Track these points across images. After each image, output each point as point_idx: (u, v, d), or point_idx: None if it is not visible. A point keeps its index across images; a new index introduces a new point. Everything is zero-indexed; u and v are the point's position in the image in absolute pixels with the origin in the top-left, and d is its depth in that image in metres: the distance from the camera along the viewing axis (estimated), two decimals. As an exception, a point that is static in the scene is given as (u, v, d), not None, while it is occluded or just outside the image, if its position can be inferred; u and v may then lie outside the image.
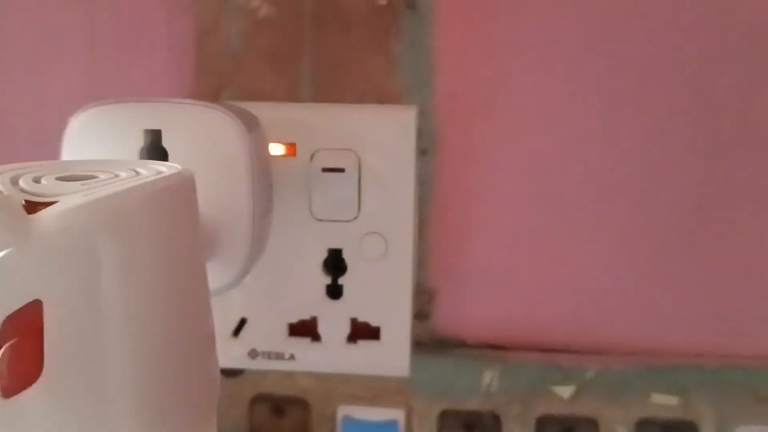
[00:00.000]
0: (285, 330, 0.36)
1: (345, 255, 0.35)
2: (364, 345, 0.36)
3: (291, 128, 0.34)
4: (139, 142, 0.28)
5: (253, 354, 0.36)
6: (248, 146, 0.27)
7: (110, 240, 0.20)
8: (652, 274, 0.41)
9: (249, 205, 0.28)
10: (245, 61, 0.39)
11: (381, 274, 0.35)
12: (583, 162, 0.40)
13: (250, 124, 0.29)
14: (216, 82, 0.39)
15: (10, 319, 0.20)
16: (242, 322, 0.36)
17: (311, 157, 0.34)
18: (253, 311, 0.36)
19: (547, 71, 0.39)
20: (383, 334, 0.36)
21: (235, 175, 0.28)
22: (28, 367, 0.20)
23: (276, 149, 0.34)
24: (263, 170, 0.29)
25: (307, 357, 0.36)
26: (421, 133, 0.39)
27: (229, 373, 0.41)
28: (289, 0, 0.39)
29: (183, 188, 0.23)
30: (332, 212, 0.35)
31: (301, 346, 0.36)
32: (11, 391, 0.20)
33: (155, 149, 0.28)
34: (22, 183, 0.21)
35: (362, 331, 0.36)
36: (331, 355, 0.36)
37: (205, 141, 0.28)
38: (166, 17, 0.39)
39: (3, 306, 0.19)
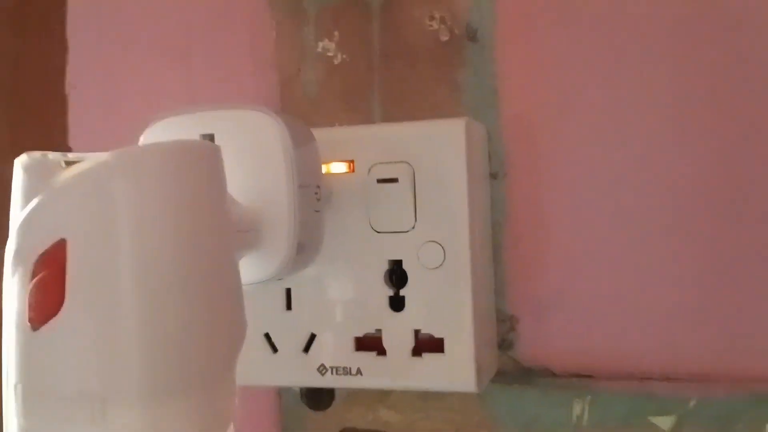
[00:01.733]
0: (352, 344, 0.37)
1: (405, 266, 0.36)
2: (428, 358, 0.36)
3: (350, 147, 0.37)
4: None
5: (322, 370, 0.37)
6: (286, 145, 0.30)
7: (125, 186, 0.23)
8: (754, 291, 0.37)
9: (287, 201, 0.30)
10: (322, 103, 0.43)
11: (441, 283, 0.35)
12: (659, 175, 0.38)
13: (298, 130, 0.31)
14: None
15: (42, 256, 0.23)
16: (312, 338, 0.37)
17: (368, 171, 0.36)
18: (321, 326, 0.37)
19: (614, 85, 0.39)
20: (447, 346, 0.35)
21: (275, 172, 0.30)
22: (52, 300, 0.23)
23: (337, 167, 0.37)
24: (306, 172, 0.31)
25: (373, 372, 0.36)
26: (490, 156, 0.40)
27: (315, 407, 0.42)
28: (360, 45, 0.42)
29: (202, 153, 0.25)
30: (390, 223, 0.36)
31: (367, 360, 0.36)
32: (38, 322, 0.23)
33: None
34: (73, 156, 0.25)
35: (426, 344, 0.36)
36: (397, 370, 0.36)
37: (249, 139, 0.30)
38: (252, 71, 0.44)
39: (37, 244, 0.23)
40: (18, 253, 0.23)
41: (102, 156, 0.23)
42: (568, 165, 0.40)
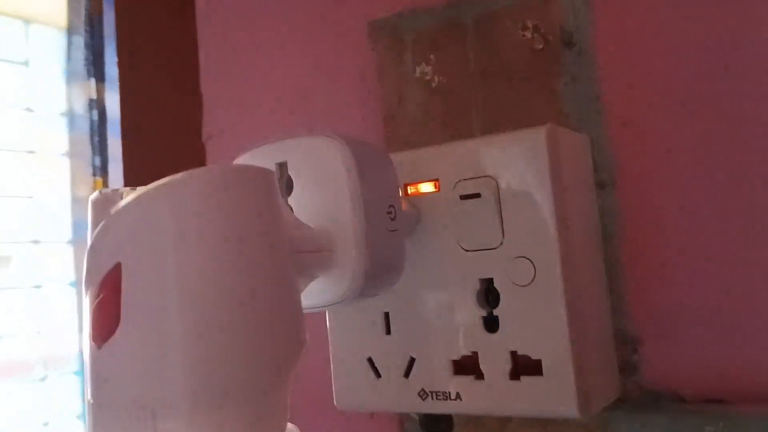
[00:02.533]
0: (449, 368, 0.36)
1: (496, 284, 0.35)
2: (527, 382, 0.34)
3: (435, 166, 0.36)
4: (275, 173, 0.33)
5: (422, 395, 0.36)
6: (350, 166, 0.31)
7: (170, 209, 0.25)
8: None
9: (352, 220, 0.30)
10: (425, 127, 0.43)
11: (533, 300, 0.34)
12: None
13: (366, 152, 0.32)
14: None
15: (103, 279, 0.25)
16: (411, 362, 0.37)
17: (453, 189, 0.35)
18: (420, 350, 0.37)
19: (726, 78, 0.35)
20: (545, 367, 0.33)
21: (340, 193, 0.31)
22: (110, 319, 0.25)
23: (425, 187, 0.37)
24: (376, 192, 0.32)
25: (472, 396, 0.35)
26: (597, 165, 0.38)
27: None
28: (456, 65, 0.42)
29: (247, 175, 0.27)
30: (478, 241, 0.35)
31: (465, 384, 0.35)
32: (100, 340, 0.25)
33: (285, 178, 0.33)
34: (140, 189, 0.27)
35: (524, 366, 0.34)
36: (496, 394, 0.34)
37: (317, 164, 0.31)
38: (359, 104, 0.45)
39: (99, 268, 0.25)
40: (86, 277, 0.26)
41: (148, 186, 0.25)
42: (683, 168, 0.36)
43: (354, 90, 0.46)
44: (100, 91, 0.53)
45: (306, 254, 0.30)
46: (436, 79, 0.43)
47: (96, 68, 0.53)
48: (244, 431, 0.25)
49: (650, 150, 0.37)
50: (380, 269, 0.32)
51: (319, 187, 0.31)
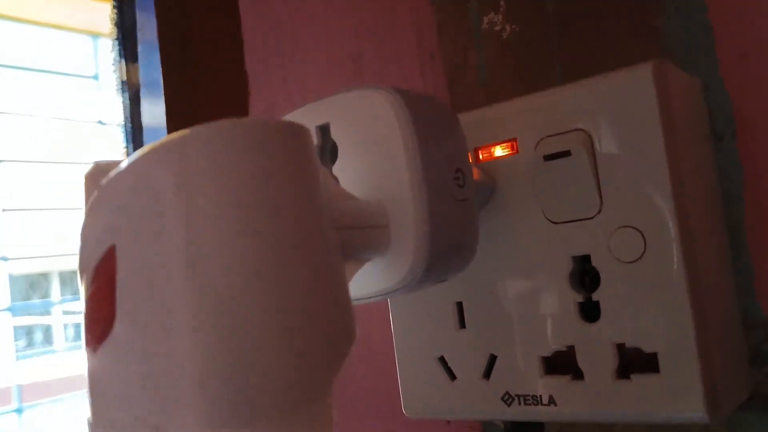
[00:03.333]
0: (539, 366, 0.29)
1: (594, 262, 0.28)
2: (639, 381, 0.27)
3: (511, 124, 0.30)
4: (316, 139, 0.27)
5: (507, 399, 0.30)
6: (405, 125, 0.25)
7: (170, 174, 0.19)
8: None
9: (412, 188, 0.24)
10: (496, 85, 0.37)
11: (644, 280, 0.27)
12: None
13: (425, 108, 0.26)
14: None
15: (96, 266, 0.20)
16: (492, 360, 0.31)
17: (535, 149, 0.29)
18: (502, 346, 0.30)
19: None
20: (663, 362, 0.26)
21: (394, 157, 0.25)
22: (104, 317, 0.20)
23: (499, 151, 0.30)
24: (439, 156, 0.26)
25: (569, 400, 0.29)
26: (711, 113, 0.31)
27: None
28: (531, 10, 0.36)
29: (276, 135, 0.21)
30: (569, 210, 0.28)
31: (560, 386, 0.29)
32: (94, 343, 0.20)
33: (328, 143, 0.27)
34: None
35: (634, 362, 0.27)
36: (599, 397, 0.28)
37: (365, 125, 0.26)
38: (420, 65, 0.39)
39: (92, 253, 0.20)
40: (80, 263, 0.21)
41: (138, 153, 0.20)
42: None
43: (412, 51, 0.40)
44: (132, 74, 0.49)
45: (354, 230, 0.24)
46: (508, 28, 0.36)
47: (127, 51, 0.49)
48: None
49: (780, 90, 0.30)
50: (447, 247, 0.26)
51: (369, 151, 0.26)
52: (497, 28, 0.37)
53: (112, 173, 0.20)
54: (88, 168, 0.22)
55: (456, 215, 0.26)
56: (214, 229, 0.19)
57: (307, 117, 0.27)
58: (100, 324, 0.20)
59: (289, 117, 0.28)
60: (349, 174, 0.26)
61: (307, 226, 0.20)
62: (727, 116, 0.31)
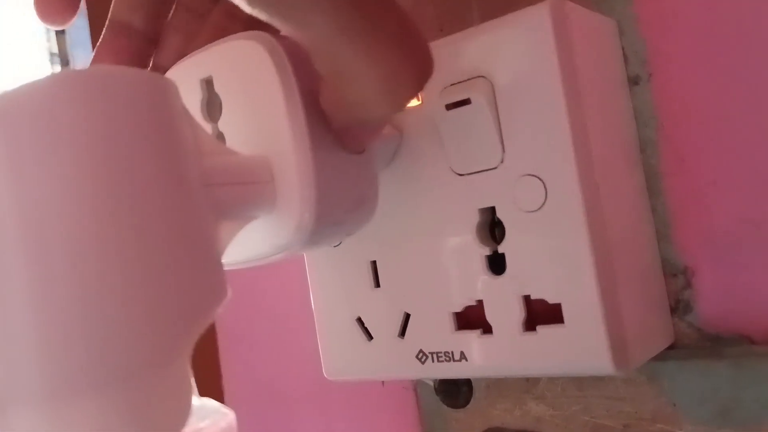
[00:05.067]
0: (451, 322, 0.29)
1: (500, 213, 0.27)
2: (545, 332, 0.26)
3: (416, 73, 0.29)
4: (201, 93, 0.26)
5: (421, 357, 0.29)
6: (284, 71, 0.24)
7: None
8: None
9: (293, 138, 0.23)
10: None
11: (546, 229, 0.26)
12: None
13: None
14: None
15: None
16: (406, 319, 0.30)
17: (438, 98, 0.28)
18: (414, 303, 0.30)
19: None
20: (567, 313, 0.26)
21: (276, 108, 0.24)
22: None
23: (405, 102, 0.29)
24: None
25: (480, 355, 0.28)
26: (627, 56, 0.30)
27: (452, 403, 0.34)
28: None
29: (126, 84, 0.20)
30: (473, 161, 0.28)
31: (470, 341, 0.28)
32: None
33: (215, 98, 0.26)
34: None
35: (540, 313, 0.27)
36: (508, 351, 0.27)
37: (246, 76, 0.25)
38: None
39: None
40: None
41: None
42: (734, 52, 0.28)
43: None
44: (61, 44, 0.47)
45: (231, 186, 0.23)
46: (425, -24, 0.35)
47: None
48: (125, 418, 0.18)
49: (691, 32, 0.29)
50: (338, 200, 0.25)
51: (251, 104, 0.25)
52: (415, -23, 0.35)
53: None
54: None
55: (347, 168, 0.25)
56: (46, 190, 0.18)
57: (192, 69, 0.26)
58: None
59: (173, 70, 0.27)
60: (234, 129, 0.25)
61: (167, 183, 0.19)
62: (642, 59, 0.30)
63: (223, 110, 0.25)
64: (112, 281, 0.18)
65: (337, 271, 0.32)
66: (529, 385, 0.33)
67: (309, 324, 0.33)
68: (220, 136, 0.26)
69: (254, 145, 0.25)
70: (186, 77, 0.26)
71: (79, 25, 0.48)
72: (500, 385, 0.33)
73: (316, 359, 0.33)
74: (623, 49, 0.30)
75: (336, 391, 0.40)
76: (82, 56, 0.47)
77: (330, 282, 0.32)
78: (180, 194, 0.20)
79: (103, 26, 0.45)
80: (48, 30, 0.51)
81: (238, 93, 0.25)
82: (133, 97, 0.19)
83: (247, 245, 0.25)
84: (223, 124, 0.26)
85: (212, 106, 0.26)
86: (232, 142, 0.25)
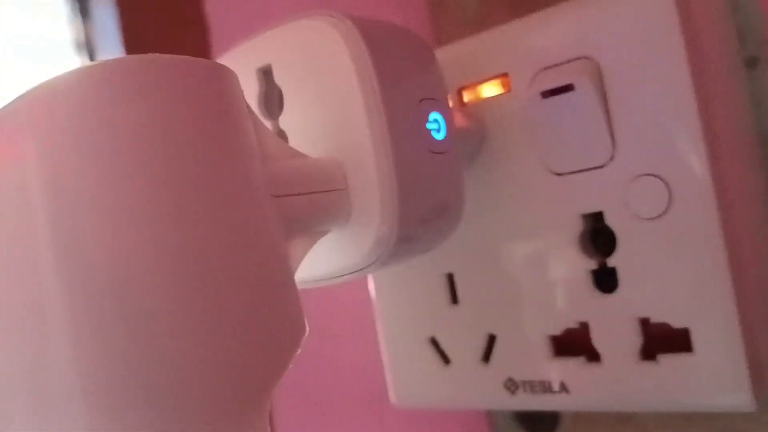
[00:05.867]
0: (547, 347, 0.24)
1: (608, 220, 0.23)
2: (668, 362, 0.22)
3: (501, 56, 0.25)
4: (258, 85, 0.22)
5: (510, 386, 0.25)
6: (362, 56, 0.19)
7: (31, 144, 0.14)
8: None
9: (372, 140, 0.19)
10: (487, 15, 0.31)
11: (670, 240, 0.22)
12: None
13: (389, 36, 0.21)
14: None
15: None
16: (491, 341, 0.26)
17: (530, 84, 0.24)
18: (502, 324, 0.25)
19: None
20: (696, 339, 0.21)
21: (350, 102, 0.20)
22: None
23: (488, 90, 0.25)
24: (408, 96, 0.20)
25: (584, 387, 0.24)
26: (742, 35, 0.25)
27: (533, 431, 0.30)
28: None
29: (164, 79, 0.16)
30: (575, 158, 0.23)
31: (573, 369, 0.24)
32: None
33: (275, 90, 0.22)
34: None
35: (661, 339, 0.22)
36: (621, 382, 0.23)
37: (311, 63, 0.20)
38: (397, 2, 0.34)
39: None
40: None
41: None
42: None
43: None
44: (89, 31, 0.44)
45: (302, 197, 0.19)
46: (497, -56, 0.31)
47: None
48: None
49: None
50: (423, 210, 0.21)
51: (320, 97, 0.21)
52: (485, -54, 0.31)
53: None
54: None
55: (432, 170, 0.21)
56: (93, 201, 0.14)
57: (246, 57, 0.22)
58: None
59: (225, 59, 0.23)
60: (298, 126, 0.21)
61: (224, 195, 0.15)
62: (759, 39, 0.25)
63: (285, 105, 0.21)
64: (168, 318, 0.14)
65: (406, 284, 0.28)
66: (623, 422, 0.28)
67: (364, 339, 0.29)
68: (282, 135, 0.22)
69: (322, 145, 0.20)
70: (239, 67, 0.22)
71: (105, 11, 0.44)
72: (591, 419, 0.29)
73: (370, 377, 0.29)
74: (738, 27, 0.26)
75: (394, 413, 0.36)
76: (109, 45, 0.44)
77: (398, 296, 0.28)
78: (249, 206, 0.16)
79: (132, 13, 0.41)
80: (73, 15, 0.47)
81: (303, 84, 0.21)
82: (194, 89, 0.15)
83: (314, 263, 0.21)
84: (284, 121, 0.21)
85: (271, 100, 0.22)
86: (294, 142, 0.21)
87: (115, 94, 0.14)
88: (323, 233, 0.20)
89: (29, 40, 0.45)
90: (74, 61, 0.46)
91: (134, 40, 0.43)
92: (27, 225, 0.14)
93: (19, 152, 0.14)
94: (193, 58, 0.16)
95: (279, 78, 0.21)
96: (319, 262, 0.21)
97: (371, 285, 0.29)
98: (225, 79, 0.17)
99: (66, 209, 0.14)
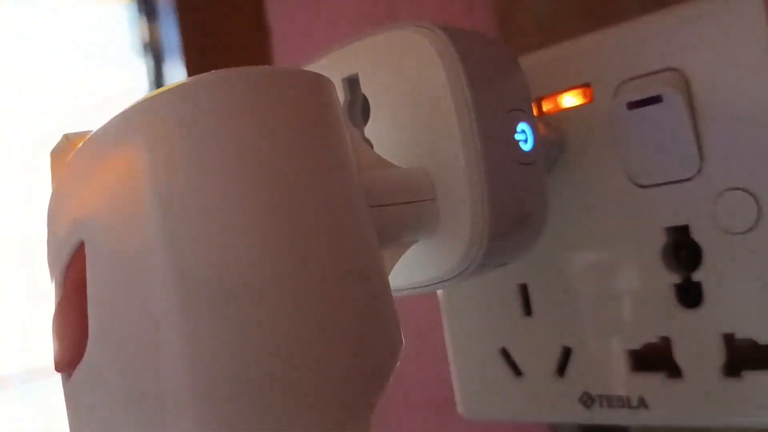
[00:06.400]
0: (626, 361, 0.24)
1: (694, 234, 0.22)
2: (753, 379, 0.22)
3: (584, 66, 0.24)
4: (343, 95, 0.22)
5: (586, 400, 0.25)
6: (455, 68, 0.19)
7: (143, 151, 0.15)
8: None
9: (464, 151, 0.19)
10: (558, 23, 0.31)
11: (759, 255, 0.21)
12: None
13: (477, 48, 0.21)
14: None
15: (66, 268, 0.16)
16: (566, 354, 0.26)
17: (615, 95, 0.23)
18: (578, 336, 0.25)
19: None
20: (785, 358, 0.21)
21: (442, 113, 0.20)
22: (74, 334, 0.15)
23: (569, 100, 0.25)
24: (497, 107, 0.20)
25: (664, 402, 0.23)
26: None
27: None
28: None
29: (275, 89, 0.16)
30: (660, 170, 0.23)
31: (653, 385, 0.24)
32: (66, 366, 0.15)
33: (359, 99, 0.22)
34: None
35: (746, 355, 0.22)
36: (702, 398, 0.23)
37: (401, 74, 0.20)
38: (465, 6, 0.34)
39: (61, 251, 0.15)
40: (48, 258, 0.16)
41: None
42: None
43: (456, -11, 0.34)
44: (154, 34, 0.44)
45: (393, 207, 0.19)
46: (570, -47, 0.30)
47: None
48: None
49: None
50: (510, 223, 0.20)
51: (409, 106, 0.20)
52: (558, -46, 0.31)
53: (80, 147, 0.16)
54: (56, 144, 0.18)
55: (520, 182, 0.21)
56: (205, 208, 0.14)
57: (332, 67, 0.22)
58: (70, 345, 0.15)
59: (310, 68, 0.23)
60: (385, 136, 0.21)
61: (332, 204, 0.15)
62: None
63: (372, 113, 0.21)
64: (279, 327, 0.14)
65: (477, 293, 0.27)
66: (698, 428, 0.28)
67: (429, 348, 0.29)
68: (367, 144, 0.22)
69: (409, 155, 0.20)
70: (328, 73, 0.22)
71: (168, 14, 0.45)
72: (660, 427, 0.29)
73: (434, 386, 0.28)
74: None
75: (455, 423, 0.36)
76: (174, 48, 0.44)
77: (468, 306, 0.28)
78: (353, 218, 0.16)
79: (194, 17, 0.42)
80: (138, 17, 0.48)
81: (391, 94, 0.21)
82: (301, 101, 0.16)
83: (398, 273, 0.21)
84: (370, 131, 0.21)
85: (355, 109, 0.22)
86: (381, 150, 0.21)
87: (226, 107, 0.15)
88: (410, 244, 0.20)
89: (94, 45, 0.46)
90: (138, 63, 0.47)
91: (196, 45, 0.43)
92: (139, 234, 0.14)
93: (132, 163, 0.15)
94: (297, 68, 0.16)
95: (366, 87, 0.21)
96: (403, 272, 0.21)
97: (439, 293, 0.29)
98: (327, 89, 0.17)
99: (178, 218, 0.14)
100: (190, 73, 0.43)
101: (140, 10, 0.46)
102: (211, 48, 0.43)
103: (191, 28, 0.43)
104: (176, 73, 0.45)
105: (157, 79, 0.48)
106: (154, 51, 0.46)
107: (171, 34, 0.43)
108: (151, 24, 0.46)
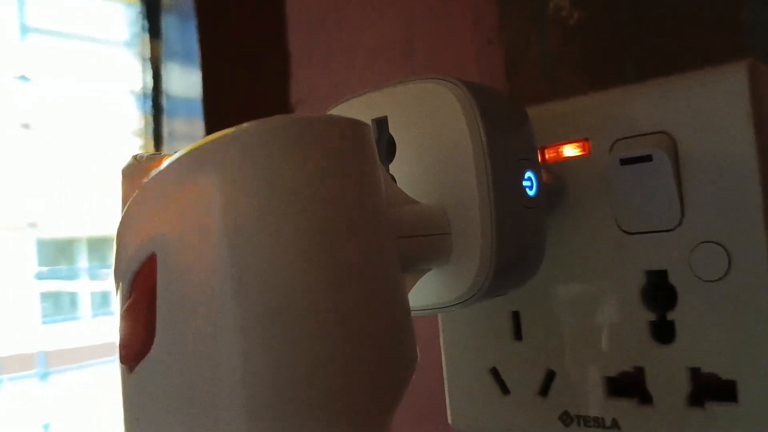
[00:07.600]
0: (603, 386, 0.27)
1: (672, 278, 0.26)
2: (714, 410, 0.25)
3: (583, 122, 0.28)
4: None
5: (565, 419, 0.28)
6: (475, 119, 0.22)
7: (217, 184, 0.17)
8: None
9: (479, 193, 0.22)
10: (560, 76, 0.34)
11: (726, 301, 0.24)
12: None
13: (494, 102, 0.24)
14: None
15: (135, 274, 0.18)
16: (550, 376, 0.28)
17: (610, 151, 0.26)
18: (561, 362, 0.28)
19: None
20: (742, 391, 0.24)
21: (461, 157, 0.23)
22: (141, 333, 0.18)
23: (568, 151, 0.28)
24: (507, 156, 0.23)
25: (635, 426, 0.26)
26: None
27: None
28: (602, -4, 0.33)
29: (337, 132, 0.19)
30: (646, 220, 0.26)
31: (626, 409, 0.27)
32: (130, 361, 0.18)
33: (385, 139, 0.25)
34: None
35: (709, 388, 0.25)
36: (669, 425, 0.26)
37: (427, 119, 0.23)
38: (475, 56, 0.37)
39: (131, 259, 0.18)
40: (115, 270, 0.19)
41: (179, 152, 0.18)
42: None
43: (468, 36, 0.37)
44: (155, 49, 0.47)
45: (414, 239, 0.22)
46: (575, 14, 0.34)
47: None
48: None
49: None
50: (514, 258, 0.23)
51: (432, 149, 0.23)
52: (563, 13, 0.34)
53: (155, 172, 0.18)
54: (125, 162, 0.20)
55: (524, 223, 0.24)
56: (266, 237, 0.17)
57: (362, 108, 0.25)
58: (137, 342, 0.18)
59: (342, 107, 0.26)
60: (407, 173, 0.24)
61: (369, 237, 0.18)
62: (821, 121, 0.28)
63: (397, 153, 0.24)
64: (321, 345, 0.17)
65: (473, 316, 0.30)
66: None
67: (425, 363, 0.32)
68: (393, 180, 0.24)
69: (428, 192, 0.23)
70: (356, 116, 0.25)
71: (175, 31, 0.47)
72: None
73: (426, 398, 0.31)
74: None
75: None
76: (176, 64, 0.47)
77: (464, 327, 0.31)
78: (387, 249, 0.19)
79: (212, 37, 0.44)
80: (142, 33, 0.50)
81: (416, 137, 0.24)
82: (345, 145, 0.18)
83: (411, 297, 0.24)
84: (394, 168, 0.24)
85: (381, 148, 0.25)
86: (403, 186, 0.24)
87: (288, 149, 0.17)
88: (426, 271, 0.23)
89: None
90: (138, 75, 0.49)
91: (213, 67, 0.46)
92: (207, 256, 0.17)
93: (206, 194, 0.17)
94: (340, 116, 0.19)
95: (393, 129, 0.24)
96: (415, 296, 0.24)
97: (439, 315, 0.31)
98: (366, 135, 0.20)
99: (243, 246, 0.17)
100: (205, 84, 0.45)
101: (144, 26, 0.49)
102: (229, 59, 0.46)
103: (209, 38, 0.46)
104: (190, 79, 0.47)
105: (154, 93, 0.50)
106: (154, 64, 0.48)
107: (188, 42, 0.46)
108: (153, 38, 0.49)
